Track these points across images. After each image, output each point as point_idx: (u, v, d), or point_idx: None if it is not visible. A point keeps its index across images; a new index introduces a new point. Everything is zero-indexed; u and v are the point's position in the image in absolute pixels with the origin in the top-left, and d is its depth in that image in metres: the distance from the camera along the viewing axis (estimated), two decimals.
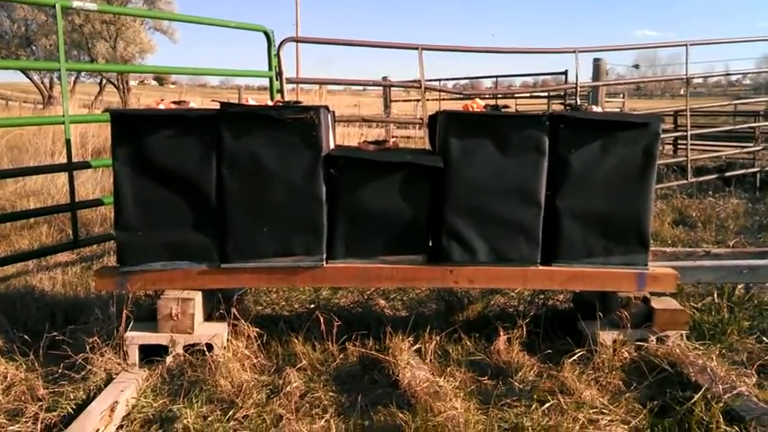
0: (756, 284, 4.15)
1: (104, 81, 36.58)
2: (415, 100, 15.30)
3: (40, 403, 2.80)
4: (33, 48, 34.25)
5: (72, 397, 2.88)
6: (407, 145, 10.09)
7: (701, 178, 8.85)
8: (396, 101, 15.44)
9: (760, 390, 2.95)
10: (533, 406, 2.81)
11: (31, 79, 34.89)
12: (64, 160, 4.70)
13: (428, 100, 8.08)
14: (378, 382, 3.10)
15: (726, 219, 6.91)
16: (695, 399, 2.76)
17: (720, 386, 2.84)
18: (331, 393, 2.97)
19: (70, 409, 2.79)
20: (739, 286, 4.12)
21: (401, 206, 3.39)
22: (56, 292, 4.38)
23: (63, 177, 7.38)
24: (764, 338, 3.54)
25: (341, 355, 3.36)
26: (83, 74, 35.28)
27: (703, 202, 7.82)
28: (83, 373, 3.06)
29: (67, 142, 4.45)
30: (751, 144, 10.05)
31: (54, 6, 4.29)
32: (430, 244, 3.49)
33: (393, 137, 12.06)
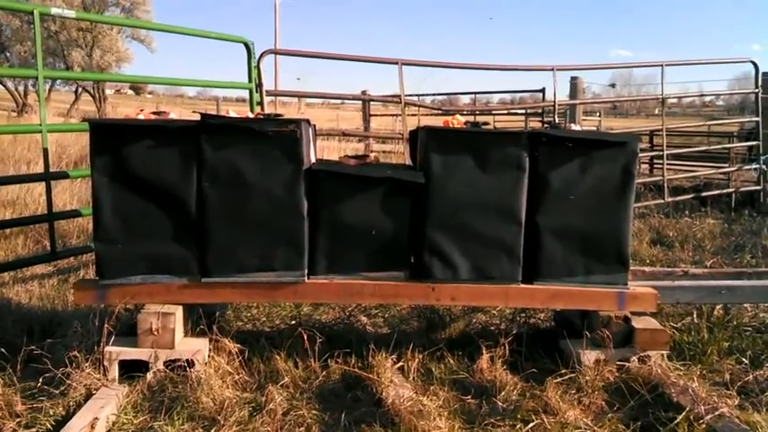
0: (735, 305, 4.19)
1: (80, 90, 36.27)
2: (393, 114, 15.34)
3: (19, 419, 2.76)
4: (7, 54, 33.87)
5: (51, 413, 2.82)
6: (387, 160, 10.11)
7: (678, 198, 8.95)
8: (375, 115, 15.45)
9: (741, 411, 2.96)
10: (517, 426, 2.81)
11: (4, 86, 34.50)
12: (40, 170, 4.63)
13: (408, 115, 8.11)
14: (361, 400, 3.08)
15: (702, 239, 6.98)
16: (678, 420, 2.78)
17: (702, 407, 2.85)
18: (314, 411, 2.94)
19: (49, 426, 2.75)
20: (718, 307, 4.15)
21: (383, 222, 3.39)
22: (32, 304, 4.31)
23: (39, 187, 7.28)
24: (744, 359, 3.57)
25: (323, 373, 3.33)
26: (58, 82, 34.92)
27: (680, 221, 7.90)
28: (62, 388, 3.00)
29: (45, 151, 4.40)
30: (726, 165, 10.18)
31: (32, 13, 4.24)
32: (412, 260, 3.48)
33: (372, 151, 12.08)
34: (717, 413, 2.81)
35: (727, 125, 14.96)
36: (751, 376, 3.34)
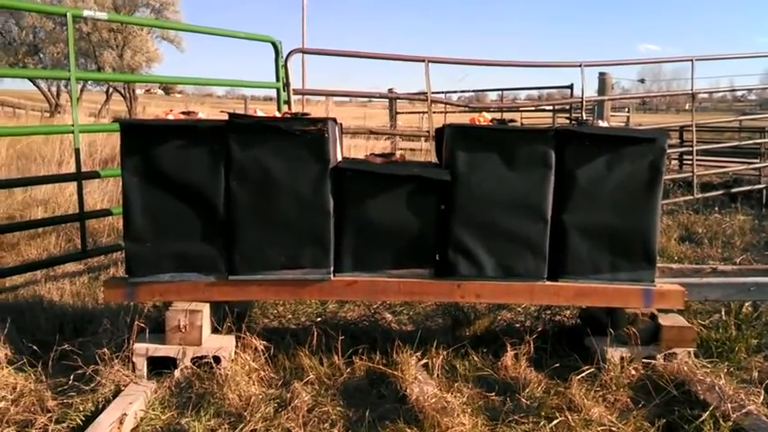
0: (764, 302, 4.15)
1: (111, 90, 36.65)
2: (420, 112, 15.34)
3: (50, 414, 2.81)
4: (41, 55, 34.29)
5: (81, 409, 2.88)
6: (413, 157, 10.11)
7: (708, 194, 8.84)
8: (401, 113, 15.46)
9: None
10: (541, 423, 2.81)
11: (38, 87, 34.96)
12: (71, 169, 4.70)
13: (434, 112, 8.10)
14: (385, 397, 3.10)
15: (732, 235, 6.90)
16: (704, 417, 2.76)
17: (729, 405, 2.83)
18: (339, 407, 2.97)
19: (79, 421, 2.80)
20: (746, 304, 4.11)
21: (408, 219, 3.40)
22: (64, 302, 4.39)
23: (71, 187, 7.40)
24: None
25: (348, 369, 3.36)
26: (89, 82, 35.29)
27: (709, 218, 7.81)
28: (92, 384, 3.06)
29: (77, 151, 4.47)
30: (757, 160, 10.05)
31: (65, 15, 4.31)
32: (437, 258, 3.49)
33: (399, 149, 12.09)
34: (744, 411, 2.79)
35: (759, 120, 14.75)
36: None
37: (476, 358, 3.50)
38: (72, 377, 3.11)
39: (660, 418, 2.87)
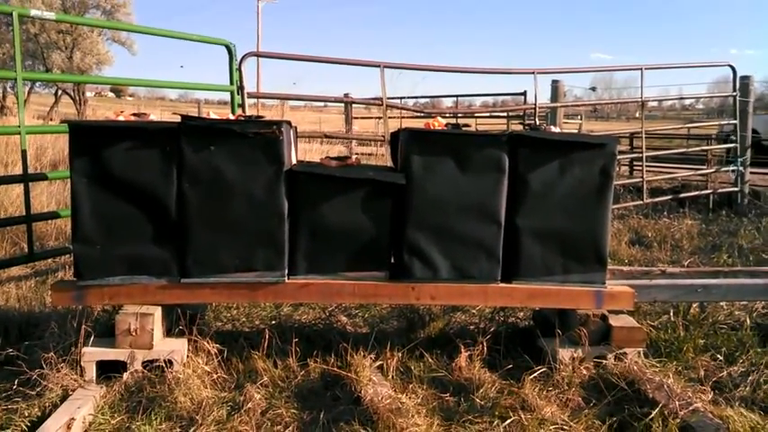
0: (710, 303, 4.24)
1: (60, 92, 35.96)
2: (376, 117, 15.34)
3: None
4: None
5: (26, 414, 2.81)
6: (369, 162, 10.11)
7: (657, 199, 9.03)
8: (357, 118, 15.45)
9: (715, 406, 3.00)
10: (495, 422, 2.83)
11: None
12: (18, 171, 4.59)
13: (390, 117, 8.12)
14: (340, 399, 3.09)
15: (680, 239, 7.06)
16: (653, 415, 2.81)
17: (677, 402, 2.89)
18: (293, 410, 2.95)
19: (24, 427, 2.73)
20: (694, 305, 4.20)
21: (363, 222, 3.39)
22: (9, 306, 4.28)
23: (17, 189, 7.22)
24: (719, 356, 3.62)
25: (302, 372, 3.33)
26: (37, 84, 34.60)
27: (659, 222, 7.97)
28: (38, 389, 2.99)
29: (23, 153, 4.37)
30: (704, 166, 10.28)
31: (11, 14, 4.22)
32: (392, 260, 3.49)
33: (355, 153, 12.08)
34: (691, 408, 2.84)
35: (706, 128, 15.12)
36: (725, 372, 3.40)
37: (430, 360, 3.51)
38: (17, 382, 3.03)
39: (611, 417, 2.91)
